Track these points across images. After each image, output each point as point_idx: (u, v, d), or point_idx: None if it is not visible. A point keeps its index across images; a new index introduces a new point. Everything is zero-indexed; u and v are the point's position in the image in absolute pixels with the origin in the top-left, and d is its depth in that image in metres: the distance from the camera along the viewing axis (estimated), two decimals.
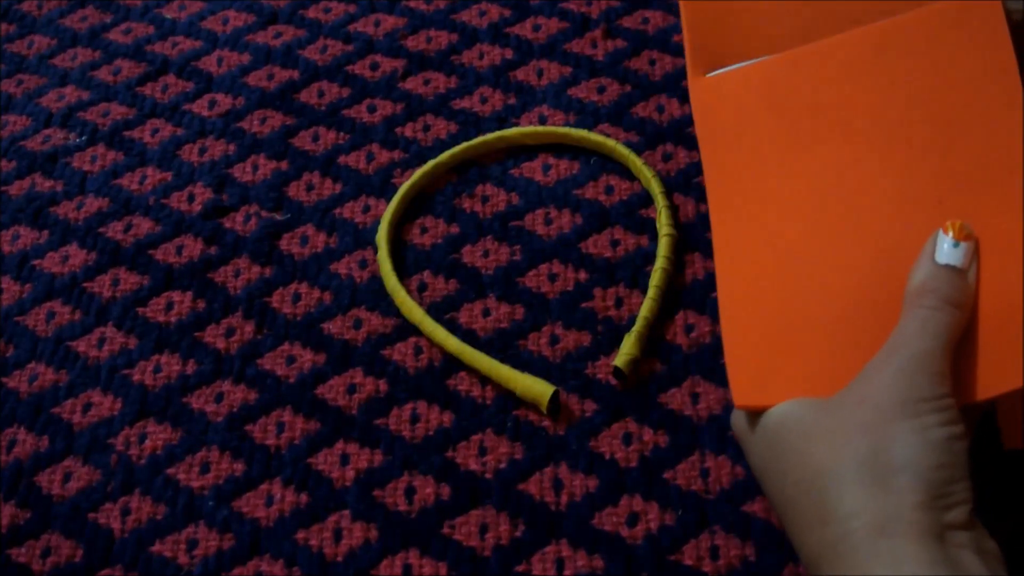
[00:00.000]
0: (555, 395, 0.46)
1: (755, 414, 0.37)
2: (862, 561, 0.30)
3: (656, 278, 0.49)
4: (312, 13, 0.64)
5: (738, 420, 0.38)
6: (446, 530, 0.43)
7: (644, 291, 0.49)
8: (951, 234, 0.36)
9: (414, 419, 0.47)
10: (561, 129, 0.55)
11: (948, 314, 0.34)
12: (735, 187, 0.41)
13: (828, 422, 0.34)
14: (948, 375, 0.33)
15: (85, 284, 0.53)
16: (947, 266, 0.35)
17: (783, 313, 0.38)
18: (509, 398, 0.47)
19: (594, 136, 0.55)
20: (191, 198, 0.56)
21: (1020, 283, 0.35)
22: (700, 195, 0.53)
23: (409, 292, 0.51)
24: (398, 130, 0.58)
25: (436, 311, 0.50)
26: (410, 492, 0.45)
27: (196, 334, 0.50)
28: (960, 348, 0.34)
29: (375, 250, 0.53)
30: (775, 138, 0.41)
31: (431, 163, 0.55)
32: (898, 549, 0.30)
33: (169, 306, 0.52)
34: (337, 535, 0.44)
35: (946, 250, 0.36)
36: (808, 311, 0.38)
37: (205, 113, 0.60)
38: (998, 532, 0.33)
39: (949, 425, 0.32)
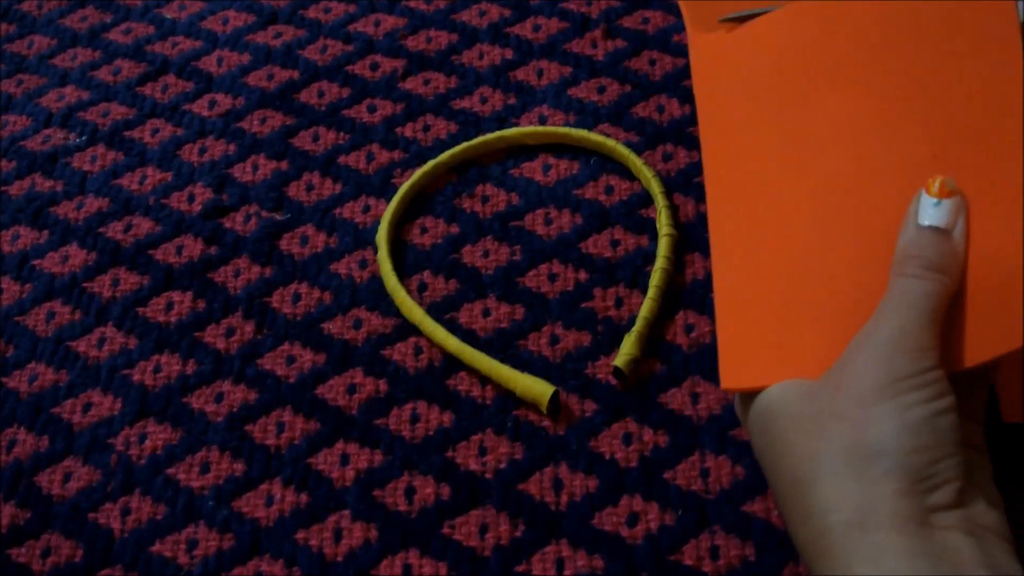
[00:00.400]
0: (555, 395, 0.46)
1: (747, 399, 0.35)
2: (841, 558, 0.29)
3: (656, 278, 0.49)
4: (312, 13, 0.64)
5: (737, 406, 0.36)
6: (446, 530, 0.43)
7: (644, 291, 0.49)
8: (934, 191, 0.33)
9: (414, 419, 0.47)
10: (561, 129, 0.55)
11: (932, 281, 0.32)
12: (730, 155, 0.40)
13: (809, 411, 0.32)
14: (933, 347, 0.31)
15: (85, 284, 0.53)
16: (930, 228, 0.33)
17: (777, 287, 0.37)
18: (509, 398, 0.47)
19: (594, 136, 0.55)
20: (191, 198, 0.56)
21: (1017, 241, 0.32)
22: (700, 195, 0.53)
23: (409, 292, 0.51)
24: (398, 130, 0.58)
25: (436, 311, 0.50)
26: (410, 492, 0.45)
27: (196, 334, 0.50)
28: (950, 313, 0.32)
29: (375, 250, 0.53)
30: (771, 100, 0.40)
31: (431, 163, 0.55)
32: (877, 542, 0.29)
33: (169, 306, 0.52)
34: (337, 535, 0.44)
35: (928, 211, 0.33)
36: (804, 285, 0.36)
37: (205, 113, 0.60)
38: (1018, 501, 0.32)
39: (932, 401, 0.30)
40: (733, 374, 0.36)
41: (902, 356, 0.31)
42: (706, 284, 0.50)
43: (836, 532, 0.30)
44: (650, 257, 0.51)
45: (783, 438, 0.33)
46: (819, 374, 0.33)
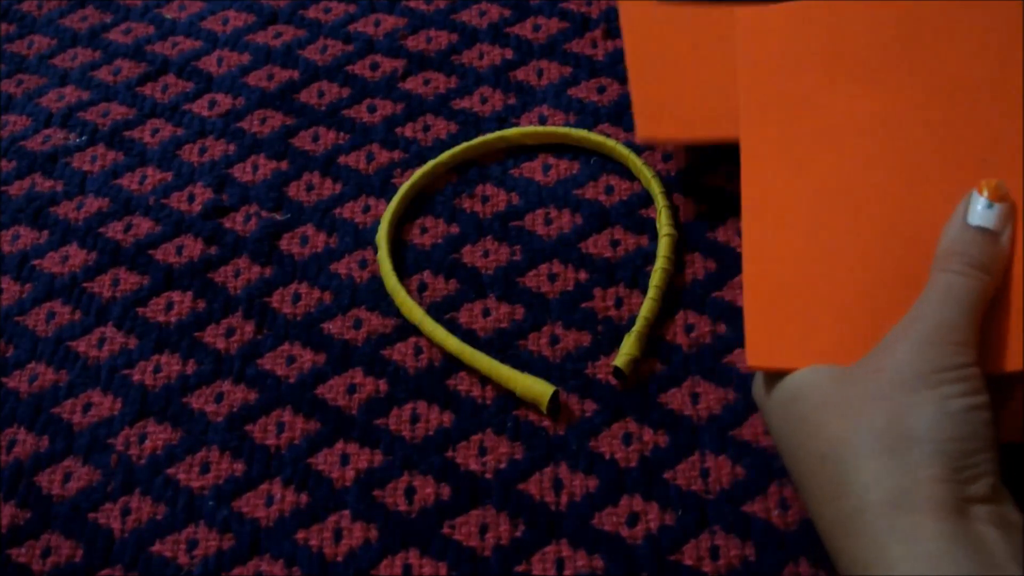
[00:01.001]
0: (555, 395, 0.46)
1: (771, 379, 0.35)
2: (877, 535, 0.29)
3: (656, 278, 0.49)
4: (312, 13, 0.64)
5: (757, 386, 0.36)
6: (446, 530, 0.43)
7: (644, 291, 0.49)
8: (985, 194, 0.34)
9: (414, 419, 0.47)
10: (561, 129, 0.55)
11: (975, 279, 0.32)
12: (770, 133, 0.40)
13: (845, 392, 0.32)
14: (973, 343, 0.32)
15: (85, 284, 0.53)
16: (978, 228, 0.33)
17: (810, 270, 0.37)
18: (509, 398, 0.47)
19: (594, 136, 0.55)
20: (191, 198, 0.56)
21: None
22: (700, 195, 0.53)
23: (409, 292, 0.51)
24: (398, 130, 0.58)
25: (436, 311, 0.50)
26: (410, 492, 0.45)
27: (196, 334, 0.50)
28: (991, 314, 0.33)
29: (375, 250, 0.53)
30: (816, 83, 0.40)
31: (431, 163, 0.55)
32: (915, 523, 0.29)
33: (169, 306, 0.52)
34: (337, 535, 0.44)
35: (979, 211, 0.34)
36: (837, 270, 0.36)
37: (205, 113, 0.60)
38: None
39: (971, 395, 0.31)
40: (761, 353, 0.36)
41: (943, 348, 0.31)
42: (706, 284, 0.50)
43: (872, 511, 0.30)
44: (650, 257, 0.51)
45: (812, 418, 0.33)
46: (849, 362, 0.34)
